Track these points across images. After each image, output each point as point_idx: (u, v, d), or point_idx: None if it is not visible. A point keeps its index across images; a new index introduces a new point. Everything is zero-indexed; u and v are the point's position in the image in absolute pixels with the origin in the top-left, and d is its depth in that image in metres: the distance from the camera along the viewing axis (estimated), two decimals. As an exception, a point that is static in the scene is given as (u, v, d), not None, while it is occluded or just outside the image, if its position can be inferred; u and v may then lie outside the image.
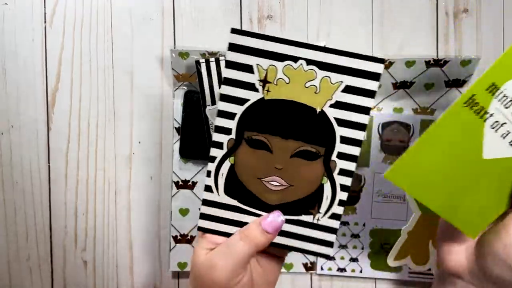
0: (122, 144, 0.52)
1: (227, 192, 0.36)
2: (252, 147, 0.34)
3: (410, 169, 0.34)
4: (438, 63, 0.49)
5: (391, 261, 0.52)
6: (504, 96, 0.33)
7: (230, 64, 0.33)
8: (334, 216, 0.36)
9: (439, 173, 0.35)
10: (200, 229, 0.36)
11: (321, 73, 0.32)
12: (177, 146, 0.52)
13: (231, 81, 0.33)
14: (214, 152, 0.35)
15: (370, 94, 0.33)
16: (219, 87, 0.49)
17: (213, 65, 0.49)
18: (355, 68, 0.32)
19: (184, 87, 0.52)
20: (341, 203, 0.36)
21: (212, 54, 0.50)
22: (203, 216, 0.36)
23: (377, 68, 0.32)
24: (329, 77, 0.33)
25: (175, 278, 0.54)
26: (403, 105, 0.51)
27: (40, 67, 0.52)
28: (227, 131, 0.34)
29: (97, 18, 0.52)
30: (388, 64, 0.50)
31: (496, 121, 0.34)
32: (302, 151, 0.34)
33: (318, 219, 0.36)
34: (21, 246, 0.53)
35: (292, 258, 0.53)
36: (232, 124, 0.34)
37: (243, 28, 0.51)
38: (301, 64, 0.32)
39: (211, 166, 0.35)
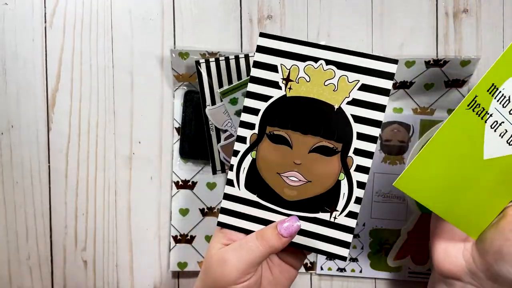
0: (122, 144, 0.52)
1: (248, 187, 0.37)
2: (273, 142, 0.36)
3: (417, 176, 0.34)
4: (438, 63, 0.49)
5: (391, 261, 0.52)
6: (502, 96, 0.34)
7: (257, 64, 0.36)
8: (351, 215, 0.37)
9: (444, 178, 0.35)
10: (220, 224, 0.37)
11: (339, 73, 0.35)
12: (177, 146, 0.52)
13: (257, 80, 0.36)
14: (237, 146, 0.36)
15: (385, 92, 0.35)
16: (219, 87, 0.49)
17: (213, 65, 0.49)
18: (370, 68, 0.35)
19: (184, 87, 0.52)
20: (357, 200, 0.37)
21: (212, 54, 0.50)
22: (224, 211, 0.37)
23: (391, 68, 0.35)
24: (346, 76, 0.35)
25: (175, 278, 0.54)
26: (403, 105, 0.52)
27: (40, 67, 0.52)
28: (250, 126, 0.36)
29: (97, 18, 0.52)
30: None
31: (495, 121, 0.34)
32: (320, 146, 0.36)
33: (335, 217, 0.37)
34: (21, 246, 0.53)
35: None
36: (255, 120, 0.36)
37: (243, 29, 0.52)
38: (321, 64, 0.35)
39: (234, 160, 0.37)
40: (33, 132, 0.52)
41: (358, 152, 0.36)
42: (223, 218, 0.37)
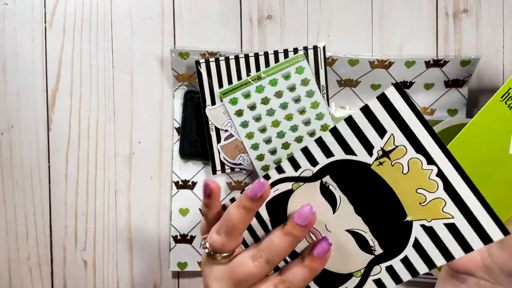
0: (122, 144, 0.52)
1: (268, 207, 0.32)
2: (322, 192, 0.31)
3: None
4: (438, 63, 0.49)
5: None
6: None
7: (367, 112, 0.28)
8: None
9: (469, 169, 0.35)
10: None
11: (441, 193, 0.28)
12: (177, 146, 0.52)
13: (355, 126, 0.28)
14: (286, 167, 0.31)
15: (466, 248, 0.28)
16: (219, 87, 0.49)
17: (213, 65, 0.49)
18: (475, 217, 0.27)
19: (184, 87, 0.52)
20: None
21: (212, 54, 0.50)
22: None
23: (495, 235, 0.27)
24: (445, 201, 0.28)
25: (175, 278, 0.54)
26: (403, 105, 0.51)
27: (40, 67, 0.52)
28: (313, 161, 0.30)
29: (97, 18, 0.52)
30: (388, 64, 0.50)
31: None
32: (360, 235, 0.31)
33: None
34: (21, 246, 0.53)
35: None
36: (322, 160, 0.30)
37: (243, 29, 0.52)
38: (432, 170, 0.28)
39: (275, 174, 0.31)
40: (33, 132, 0.52)
41: (390, 270, 0.31)
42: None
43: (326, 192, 0.31)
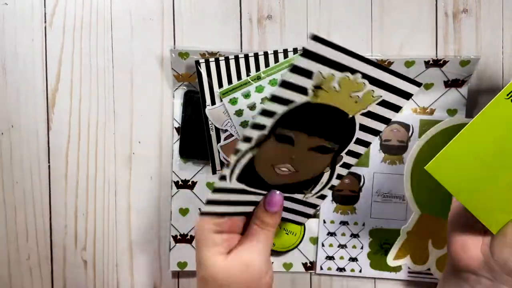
0: (122, 144, 0.52)
1: (239, 179, 0.36)
2: (279, 141, 0.35)
3: (448, 162, 0.34)
4: (437, 63, 0.49)
5: (390, 261, 0.52)
6: None
7: (295, 69, 0.32)
8: (321, 197, 0.41)
9: (474, 167, 0.35)
10: (203, 213, 0.37)
11: (369, 87, 0.34)
12: (177, 146, 0.52)
13: (288, 84, 0.32)
14: (241, 145, 0.35)
15: (396, 109, 0.36)
16: (219, 87, 0.49)
17: (213, 65, 0.49)
18: (395, 86, 0.35)
19: (184, 87, 0.52)
20: (331, 187, 0.41)
21: (212, 54, 0.50)
22: (209, 202, 0.36)
23: (412, 89, 0.35)
24: (373, 91, 0.34)
25: (175, 278, 0.54)
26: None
27: (40, 67, 0.52)
28: (261, 127, 0.34)
29: (97, 18, 0.52)
30: (387, 64, 0.50)
31: None
32: (320, 146, 0.36)
33: (307, 198, 0.41)
34: (21, 246, 0.53)
35: (292, 257, 0.53)
36: (268, 122, 0.34)
37: (243, 29, 0.52)
38: (357, 76, 0.33)
39: (233, 158, 0.35)
40: (33, 132, 0.52)
41: (350, 153, 0.38)
42: (207, 208, 0.36)
43: (282, 138, 0.35)
